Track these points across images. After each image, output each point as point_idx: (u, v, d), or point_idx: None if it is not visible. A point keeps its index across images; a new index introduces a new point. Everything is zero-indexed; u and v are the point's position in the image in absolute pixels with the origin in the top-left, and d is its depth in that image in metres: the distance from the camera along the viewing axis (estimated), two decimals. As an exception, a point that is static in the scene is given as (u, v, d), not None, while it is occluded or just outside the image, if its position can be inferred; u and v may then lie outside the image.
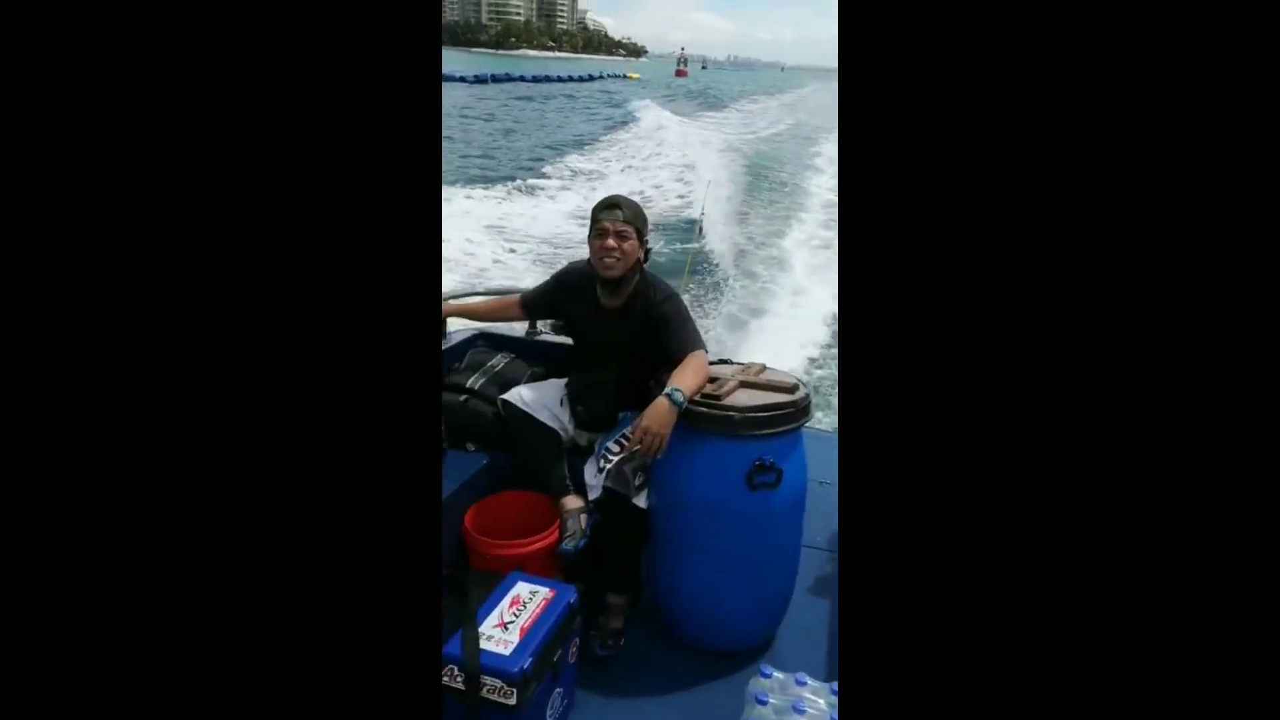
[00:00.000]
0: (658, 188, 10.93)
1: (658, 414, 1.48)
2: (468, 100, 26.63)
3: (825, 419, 3.96)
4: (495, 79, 37.87)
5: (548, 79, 42.75)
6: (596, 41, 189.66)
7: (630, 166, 13.51)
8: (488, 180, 11.42)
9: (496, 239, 8.18)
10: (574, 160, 13.98)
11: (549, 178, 12.12)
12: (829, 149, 16.31)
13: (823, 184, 12.38)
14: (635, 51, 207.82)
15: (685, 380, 1.52)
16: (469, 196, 10.11)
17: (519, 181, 11.47)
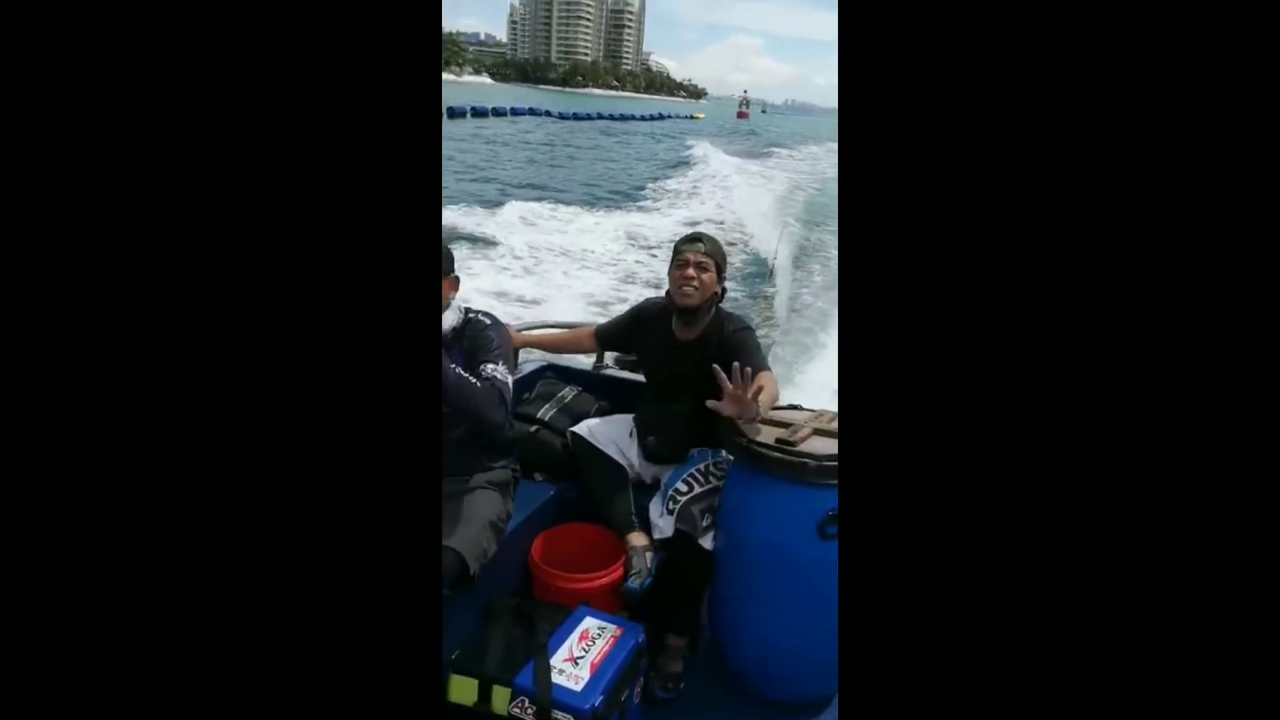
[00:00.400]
0: (719, 224, 11.09)
1: (770, 381, 1.56)
2: (557, 131, 28.34)
3: None
4: (578, 117, 39.65)
5: (624, 117, 44.73)
6: (659, 82, 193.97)
7: (695, 194, 14.29)
8: (602, 200, 12.76)
9: (631, 247, 9.11)
10: (670, 184, 15.62)
11: (652, 197, 13.61)
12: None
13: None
14: (696, 94, 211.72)
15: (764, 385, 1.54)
16: (592, 215, 11.32)
17: (633, 200, 12.89)
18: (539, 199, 12.00)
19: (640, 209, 11.98)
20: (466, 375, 1.46)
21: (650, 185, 15.09)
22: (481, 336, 1.56)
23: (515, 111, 36.94)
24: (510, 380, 1.55)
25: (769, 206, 12.54)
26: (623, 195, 13.67)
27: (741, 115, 68.76)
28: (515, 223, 9.76)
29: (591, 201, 12.47)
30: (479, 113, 33.18)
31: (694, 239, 1.76)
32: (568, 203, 11.95)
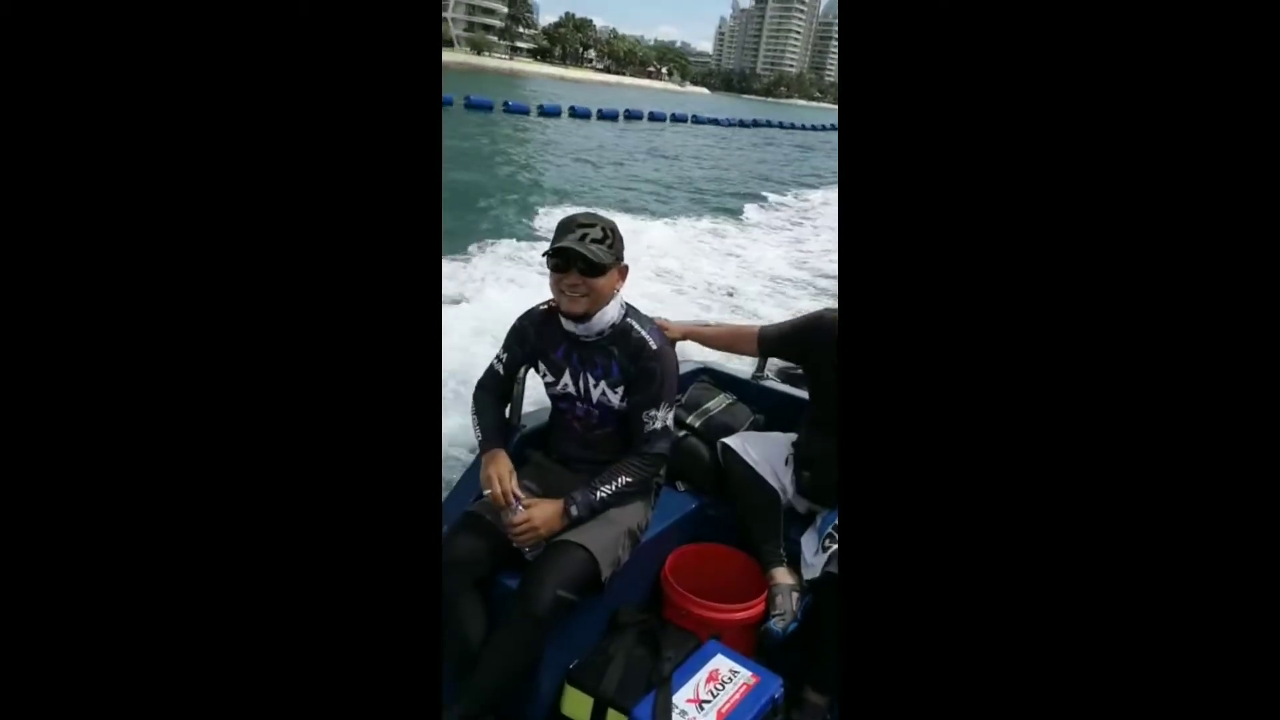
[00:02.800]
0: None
1: None
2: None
3: None
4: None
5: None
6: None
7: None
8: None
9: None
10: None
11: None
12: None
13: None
14: None
15: None
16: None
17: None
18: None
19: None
20: (631, 470, 1.42)
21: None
22: (645, 367, 1.41)
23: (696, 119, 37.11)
24: (672, 419, 1.46)
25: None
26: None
27: None
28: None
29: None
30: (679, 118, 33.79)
31: None
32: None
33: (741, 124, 37.58)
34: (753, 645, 1.49)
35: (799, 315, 1.75)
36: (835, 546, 1.43)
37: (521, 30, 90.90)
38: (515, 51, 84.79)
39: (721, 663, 1.30)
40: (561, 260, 1.34)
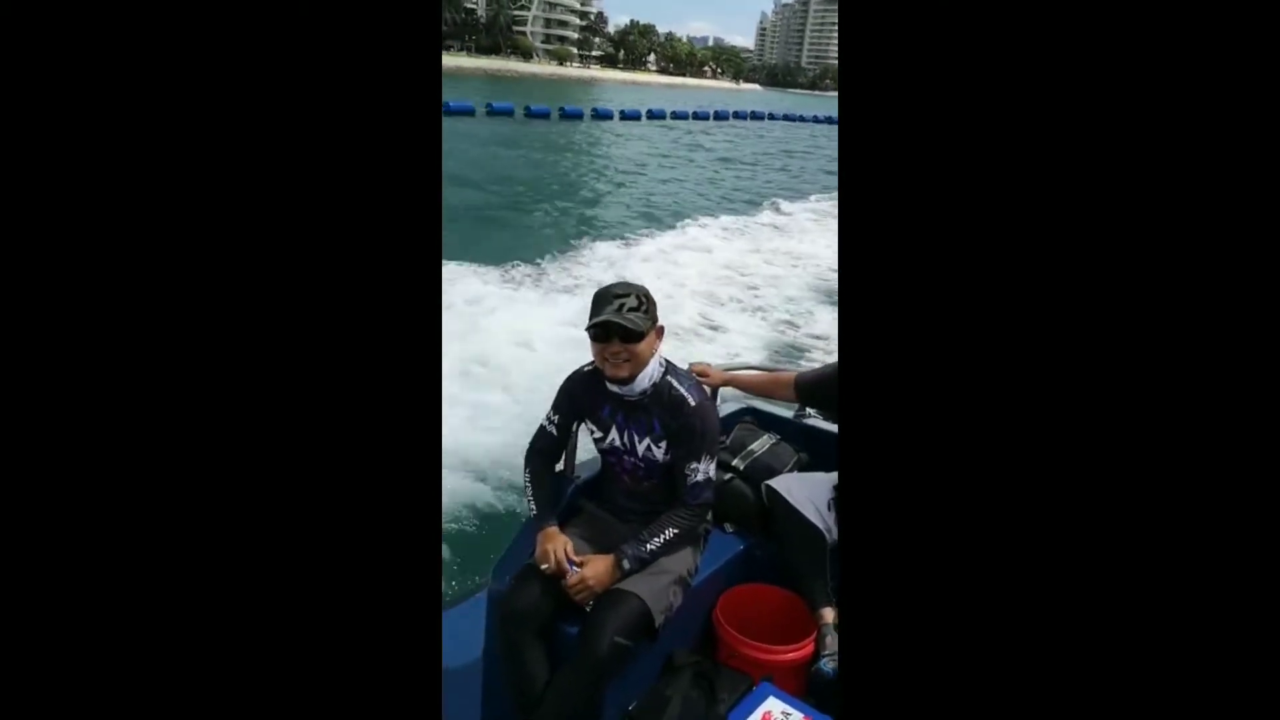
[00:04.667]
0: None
1: None
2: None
3: None
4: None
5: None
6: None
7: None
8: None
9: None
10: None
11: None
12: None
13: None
14: None
15: None
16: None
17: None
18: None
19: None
20: (677, 522, 1.50)
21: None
22: (685, 423, 1.49)
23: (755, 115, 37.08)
24: (714, 473, 1.54)
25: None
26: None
27: None
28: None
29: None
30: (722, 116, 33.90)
31: None
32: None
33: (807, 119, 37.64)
34: (804, 685, 1.54)
35: (833, 364, 1.80)
36: None
37: (596, 39, 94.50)
38: (588, 60, 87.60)
39: (774, 705, 1.35)
40: (602, 331, 1.43)
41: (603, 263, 7.42)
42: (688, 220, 9.83)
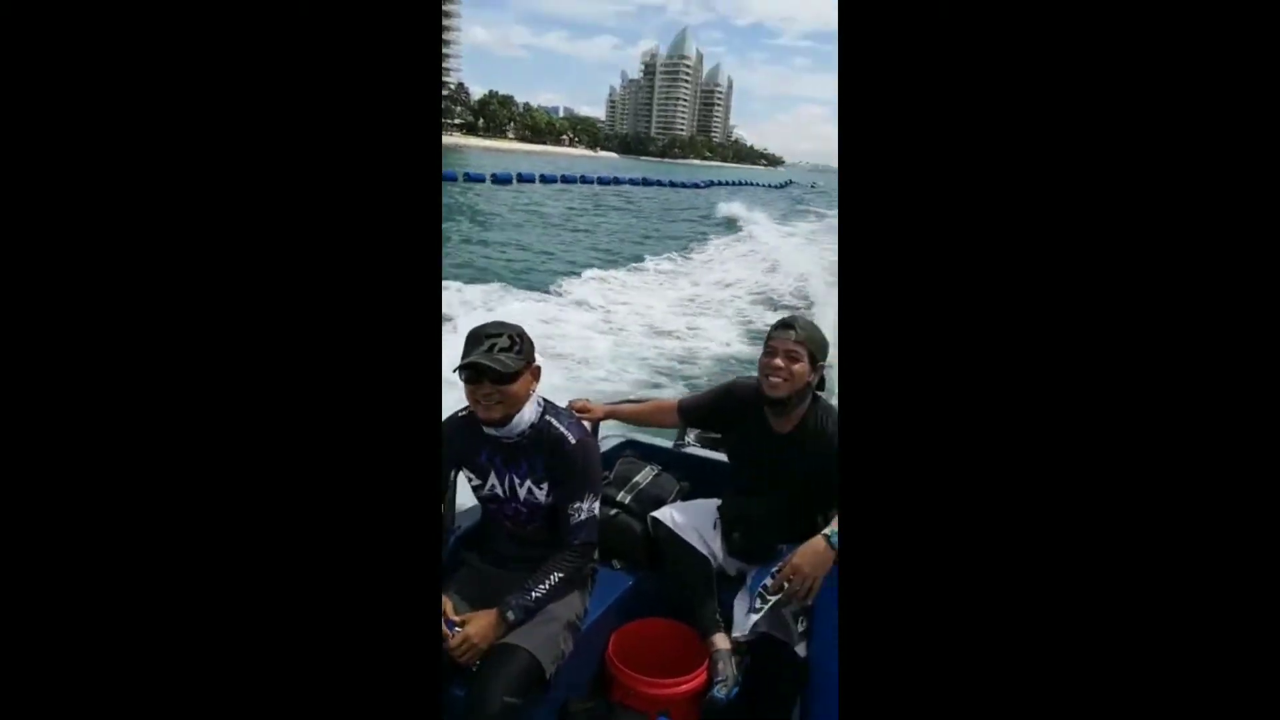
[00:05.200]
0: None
1: (811, 554, 1.37)
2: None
3: None
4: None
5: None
6: (743, 153, 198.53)
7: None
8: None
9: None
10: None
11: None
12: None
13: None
14: (774, 161, 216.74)
15: None
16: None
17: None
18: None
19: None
20: (561, 566, 1.45)
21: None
22: (565, 462, 1.46)
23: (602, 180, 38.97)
24: (598, 511, 1.51)
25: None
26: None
27: None
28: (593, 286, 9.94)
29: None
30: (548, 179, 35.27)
31: (785, 325, 1.63)
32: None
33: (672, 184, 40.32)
34: (699, 715, 1.52)
35: (714, 386, 1.86)
36: (766, 606, 1.50)
37: (457, 108, 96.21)
38: (450, 128, 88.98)
39: (672, 739, 1.32)
40: (472, 373, 1.39)
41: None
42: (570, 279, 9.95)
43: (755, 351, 2.06)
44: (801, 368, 1.58)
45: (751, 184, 51.03)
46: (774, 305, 8.82)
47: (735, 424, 1.76)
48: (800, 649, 1.47)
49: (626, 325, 7.59)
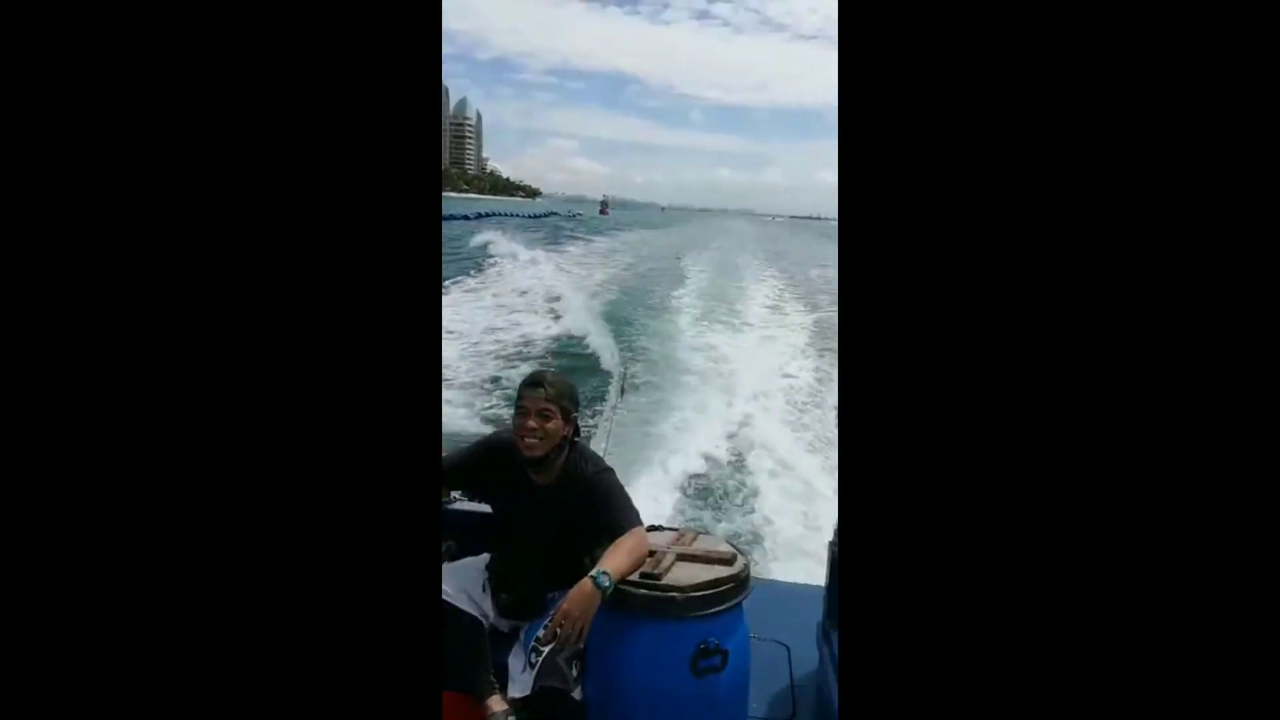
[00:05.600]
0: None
1: (580, 597, 1.39)
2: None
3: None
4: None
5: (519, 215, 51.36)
6: (500, 185, 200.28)
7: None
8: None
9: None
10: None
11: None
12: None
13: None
14: (532, 193, 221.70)
15: (617, 561, 1.43)
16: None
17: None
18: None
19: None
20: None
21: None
22: None
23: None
24: None
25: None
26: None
27: (604, 212, 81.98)
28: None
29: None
30: None
31: (534, 383, 1.62)
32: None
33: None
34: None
35: (472, 444, 1.79)
36: (540, 659, 1.49)
37: None
38: None
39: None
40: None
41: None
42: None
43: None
44: (555, 425, 1.59)
45: (515, 214, 52.02)
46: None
47: (498, 479, 1.72)
48: (576, 693, 1.48)
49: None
